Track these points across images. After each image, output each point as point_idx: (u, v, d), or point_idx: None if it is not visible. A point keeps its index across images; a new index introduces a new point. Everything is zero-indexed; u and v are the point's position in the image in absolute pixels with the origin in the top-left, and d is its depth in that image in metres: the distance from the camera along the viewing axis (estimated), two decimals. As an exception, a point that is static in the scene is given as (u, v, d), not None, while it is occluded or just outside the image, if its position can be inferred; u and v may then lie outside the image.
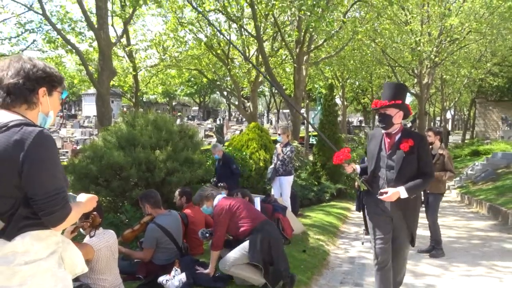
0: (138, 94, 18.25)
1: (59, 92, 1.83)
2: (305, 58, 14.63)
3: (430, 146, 5.89)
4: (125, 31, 14.83)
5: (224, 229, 4.07)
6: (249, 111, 17.58)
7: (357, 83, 28.66)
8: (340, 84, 25.84)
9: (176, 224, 4.64)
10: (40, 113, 1.76)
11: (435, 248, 5.88)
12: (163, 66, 18.64)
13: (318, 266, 5.00)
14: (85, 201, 1.85)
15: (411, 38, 18.10)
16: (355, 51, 18.94)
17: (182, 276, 3.76)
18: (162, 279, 3.80)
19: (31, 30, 14.11)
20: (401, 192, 3.42)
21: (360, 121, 49.91)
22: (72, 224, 1.99)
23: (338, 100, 27.39)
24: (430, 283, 4.71)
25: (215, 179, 7.08)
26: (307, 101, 25.92)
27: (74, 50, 12.67)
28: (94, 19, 12.35)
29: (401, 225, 3.61)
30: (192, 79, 28.71)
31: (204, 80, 20.50)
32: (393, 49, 19.55)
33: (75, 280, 2.92)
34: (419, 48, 17.68)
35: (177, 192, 5.42)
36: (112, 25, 16.01)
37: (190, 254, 4.78)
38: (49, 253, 1.67)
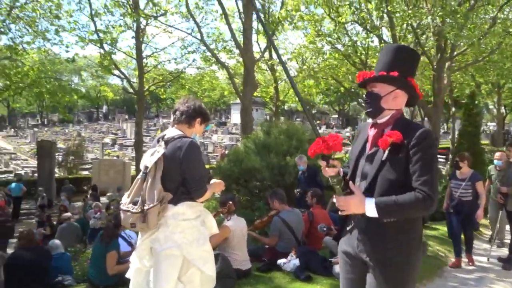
0: (278, 103, 19.66)
1: (205, 125, 2.91)
2: (446, 64, 13.95)
3: None
4: (268, 47, 16.29)
5: None
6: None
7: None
8: (496, 90, 23.35)
9: (297, 219, 5.40)
10: (193, 133, 2.83)
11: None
12: (302, 77, 19.75)
13: (430, 274, 5.15)
14: (214, 184, 2.82)
15: None
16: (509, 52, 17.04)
17: (296, 261, 4.56)
18: (280, 261, 4.71)
19: (192, 51, 16.75)
20: (367, 205, 2.02)
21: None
22: (207, 199, 2.99)
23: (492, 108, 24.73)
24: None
25: (299, 189, 7.20)
26: (454, 108, 24.05)
27: (223, 67, 14.64)
28: (241, 36, 14.10)
29: None
30: (331, 87, 29.34)
31: (341, 89, 20.93)
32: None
33: (216, 251, 3.91)
34: None
35: (309, 193, 6.14)
36: (257, 41, 17.78)
37: (309, 247, 5.50)
38: (196, 216, 2.68)
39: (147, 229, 2.50)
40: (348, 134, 39.64)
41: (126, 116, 51.12)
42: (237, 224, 4.42)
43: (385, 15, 14.53)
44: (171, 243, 2.52)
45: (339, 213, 2.12)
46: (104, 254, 4.54)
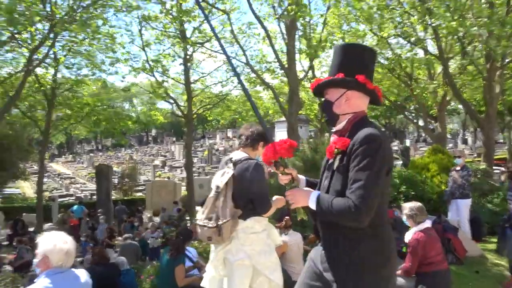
0: (322, 120, 19.75)
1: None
2: (498, 73, 13.53)
3: None
4: (311, 66, 16.54)
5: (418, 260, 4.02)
6: (436, 131, 16.99)
7: None
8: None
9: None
10: (256, 155, 3.14)
11: None
12: (345, 93, 19.74)
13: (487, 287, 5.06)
14: (277, 200, 3.09)
15: None
16: None
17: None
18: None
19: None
20: (311, 198, 1.96)
21: None
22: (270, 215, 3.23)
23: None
24: None
25: None
26: (508, 117, 22.97)
27: (268, 87, 15.03)
28: (284, 57, 14.46)
29: None
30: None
31: (387, 102, 20.70)
32: None
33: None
34: None
35: None
36: (300, 60, 18.09)
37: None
38: (262, 229, 2.97)
39: (222, 242, 2.80)
40: (396, 147, 38.67)
41: (174, 139, 52.91)
42: (294, 239, 4.64)
43: (429, 27, 14.40)
44: (242, 254, 2.81)
45: (290, 207, 2.08)
46: (172, 268, 4.89)
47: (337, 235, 1.94)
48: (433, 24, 12.14)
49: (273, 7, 13.72)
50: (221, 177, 2.91)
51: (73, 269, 2.54)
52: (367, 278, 1.88)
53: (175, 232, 9.16)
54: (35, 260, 2.46)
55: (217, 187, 2.90)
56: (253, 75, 16.40)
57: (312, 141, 9.91)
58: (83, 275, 2.57)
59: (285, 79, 15.85)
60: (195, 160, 28.95)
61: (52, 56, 14.35)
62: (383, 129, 1.88)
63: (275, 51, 13.79)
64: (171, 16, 14.30)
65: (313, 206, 1.94)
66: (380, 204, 1.89)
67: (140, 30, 15.90)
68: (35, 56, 12.32)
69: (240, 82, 2.31)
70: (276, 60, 14.43)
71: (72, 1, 12.01)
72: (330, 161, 2.02)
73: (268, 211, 2.93)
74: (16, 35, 11.62)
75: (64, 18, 11.27)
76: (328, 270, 1.95)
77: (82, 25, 11.72)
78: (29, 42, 12.42)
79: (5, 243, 16.74)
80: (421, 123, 18.57)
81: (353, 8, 14.81)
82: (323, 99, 2.13)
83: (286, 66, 13.40)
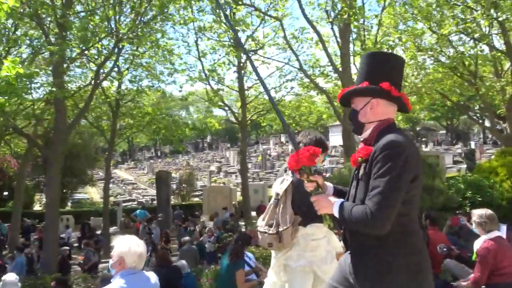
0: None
1: (324, 154, 3.21)
2: None
3: None
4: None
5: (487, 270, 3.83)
6: (505, 132, 15.95)
7: None
8: None
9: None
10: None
11: None
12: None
13: None
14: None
15: None
16: None
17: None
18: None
19: (290, 80, 17.40)
20: (335, 206, 1.98)
21: None
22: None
23: None
24: None
25: None
26: None
27: (322, 92, 14.92)
28: (338, 60, 14.29)
29: None
30: (437, 102, 27.73)
31: (448, 103, 19.73)
32: None
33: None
34: None
35: (423, 215, 6.03)
36: (354, 64, 17.76)
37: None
38: (322, 236, 2.98)
39: (282, 248, 2.86)
40: (459, 150, 36.66)
41: (228, 145, 53.90)
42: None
43: (495, 22, 13.59)
44: (303, 260, 2.85)
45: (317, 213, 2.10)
46: (232, 272, 5.01)
47: (362, 242, 1.94)
48: (499, 18, 11.45)
49: (326, 11, 13.62)
50: (281, 184, 2.97)
51: (143, 271, 2.71)
52: (386, 281, 1.85)
53: (233, 237, 9.35)
54: (111, 261, 2.66)
55: (277, 194, 2.95)
56: (306, 80, 16.34)
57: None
58: (152, 276, 2.74)
59: (339, 82, 15.63)
60: (249, 165, 29.29)
61: (116, 69, 15.25)
62: (407, 135, 1.78)
63: (328, 55, 13.67)
64: (225, 26, 14.67)
65: (336, 213, 1.96)
66: (403, 213, 1.85)
67: (196, 41, 16.48)
68: (101, 70, 13.16)
69: (260, 80, 2.33)
70: (329, 64, 14.29)
71: (134, 17, 12.70)
72: (357, 170, 2.03)
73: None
74: (85, 52, 12.49)
75: (127, 34, 11.95)
76: (353, 274, 1.96)
77: (143, 39, 12.36)
78: (96, 57, 13.30)
79: (76, 244, 17.97)
80: (487, 123, 17.47)
81: (410, 7, 14.34)
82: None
83: (340, 69, 13.23)
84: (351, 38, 13.88)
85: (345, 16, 10.83)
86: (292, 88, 18.17)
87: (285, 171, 3.10)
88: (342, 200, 1.99)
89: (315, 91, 17.42)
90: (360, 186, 1.96)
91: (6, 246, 16.64)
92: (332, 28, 13.90)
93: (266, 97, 20.24)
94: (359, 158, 1.98)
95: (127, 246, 2.60)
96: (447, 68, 15.65)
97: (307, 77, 15.00)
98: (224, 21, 13.98)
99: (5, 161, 23.00)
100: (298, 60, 14.58)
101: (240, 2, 13.57)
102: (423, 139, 47.60)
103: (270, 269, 3.02)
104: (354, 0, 11.31)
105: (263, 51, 16.48)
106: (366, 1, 19.65)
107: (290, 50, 14.69)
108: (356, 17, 11.14)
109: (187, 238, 11.33)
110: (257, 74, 2.45)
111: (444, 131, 54.84)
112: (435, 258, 5.31)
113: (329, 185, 2.23)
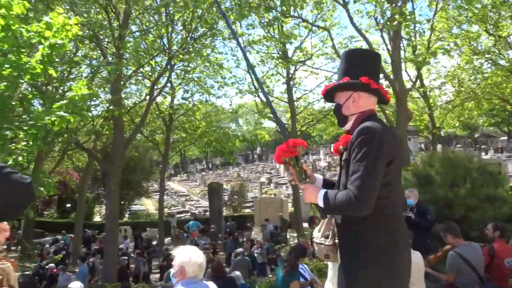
0: (435, 131, 18.46)
1: None
2: None
3: None
4: (419, 75, 15.67)
5: None
6: None
7: None
8: None
9: (477, 254, 5.04)
10: None
11: None
12: (460, 101, 18.25)
13: None
14: None
15: None
16: None
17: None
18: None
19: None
20: (319, 195, 2.06)
21: None
22: None
23: None
24: None
25: None
26: None
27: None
28: (389, 67, 13.92)
29: None
30: (496, 107, 26.23)
31: (509, 107, 18.60)
32: None
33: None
34: None
35: (491, 226, 5.71)
36: (405, 70, 17.25)
37: (494, 284, 5.03)
38: None
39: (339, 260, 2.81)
40: (524, 157, 34.28)
41: (278, 155, 53.88)
42: (414, 258, 4.39)
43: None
44: (361, 272, 2.78)
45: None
46: (287, 284, 5.00)
47: (346, 226, 2.09)
48: None
49: (375, 18, 13.39)
50: None
51: (203, 281, 2.80)
52: (362, 271, 2.01)
53: (282, 249, 9.33)
54: (172, 271, 2.77)
55: None
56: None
57: (425, 154, 9.33)
58: (212, 286, 2.81)
59: (390, 90, 15.24)
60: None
61: (169, 85, 15.88)
62: (383, 122, 1.99)
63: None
64: (273, 38, 14.85)
65: (320, 202, 2.05)
66: (382, 196, 1.94)
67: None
68: (155, 86, 13.77)
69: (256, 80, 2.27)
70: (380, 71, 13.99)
71: (185, 34, 13.22)
72: (340, 158, 2.18)
73: None
74: (140, 69, 13.16)
75: (179, 50, 12.44)
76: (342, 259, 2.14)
77: (194, 55, 12.80)
78: (150, 74, 13.96)
79: (133, 255, 18.71)
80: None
81: (464, 10, 13.76)
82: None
83: (391, 76, 12.90)
84: (401, 45, 13.52)
85: (395, 23, 10.58)
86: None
87: None
88: (326, 190, 2.06)
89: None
90: (343, 172, 2.08)
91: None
92: (381, 35, 13.63)
93: (315, 107, 20.16)
94: (340, 147, 2.16)
95: (188, 256, 2.70)
96: (507, 71, 14.78)
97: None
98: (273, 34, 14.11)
99: (68, 174, 24.57)
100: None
101: (288, 15, 13.69)
102: (483, 146, 44.99)
103: (327, 281, 2.98)
104: (404, 6, 11.04)
105: (311, 61, 16.46)
106: (416, 6, 19.11)
107: (339, 59, 14.55)
108: (407, 23, 10.84)
109: (240, 249, 11.43)
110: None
111: (506, 138, 51.50)
112: (502, 271, 4.99)
113: (319, 176, 2.32)
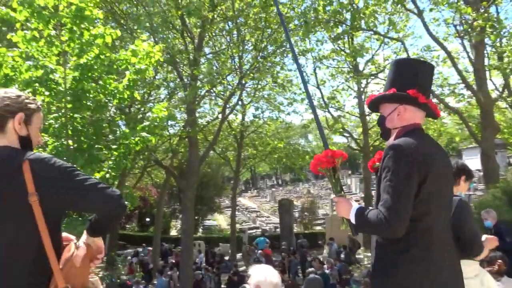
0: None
1: (469, 182, 2.90)
2: None
3: None
4: (506, 84, 14.47)
5: None
6: None
7: None
8: None
9: None
10: (458, 191, 2.81)
11: None
12: None
13: None
14: (488, 239, 2.70)
15: None
16: None
17: None
18: None
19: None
20: (352, 211, 1.97)
21: None
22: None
23: None
24: None
25: None
26: None
27: (453, 112, 13.70)
28: (471, 76, 13.01)
29: None
30: None
31: None
32: None
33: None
34: None
35: None
36: (490, 79, 16.01)
37: None
38: (474, 274, 2.65)
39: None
40: None
41: (350, 172, 52.53)
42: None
43: None
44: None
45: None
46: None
47: (380, 251, 1.96)
48: None
49: (454, 26, 12.66)
50: None
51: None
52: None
53: (360, 269, 8.94)
54: (248, 288, 2.76)
55: None
56: (434, 100, 15.23)
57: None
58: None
59: (473, 100, 14.21)
60: (372, 193, 28.06)
61: (240, 103, 16.26)
62: (421, 137, 1.97)
63: (459, 72, 12.57)
64: (344, 53, 14.63)
65: (352, 218, 1.95)
66: (417, 217, 1.83)
67: (314, 70, 16.72)
68: (227, 105, 14.18)
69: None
70: (460, 81, 13.11)
71: (255, 53, 13.51)
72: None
73: (479, 253, 2.58)
74: (212, 89, 13.65)
75: (249, 69, 12.74)
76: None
77: (264, 73, 13.02)
78: (223, 93, 14.41)
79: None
80: None
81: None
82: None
83: (475, 86, 12.04)
84: (485, 51, 12.59)
85: (478, 29, 9.89)
86: (418, 110, 17.07)
87: None
88: (360, 206, 1.97)
89: (444, 112, 16.09)
90: (377, 191, 1.99)
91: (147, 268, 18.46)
92: (461, 43, 12.83)
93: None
94: (376, 163, 2.10)
95: (264, 276, 2.70)
96: None
97: (434, 97, 13.97)
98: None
99: (147, 190, 26.00)
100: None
101: (358, 27, 13.44)
102: None
103: None
104: (488, 11, 10.30)
105: (384, 74, 15.91)
106: (501, 9, 17.77)
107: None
108: (493, 31, 10.07)
109: (311, 269, 11.18)
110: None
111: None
112: None
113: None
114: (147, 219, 28.30)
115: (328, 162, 2.10)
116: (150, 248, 19.38)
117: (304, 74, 17.42)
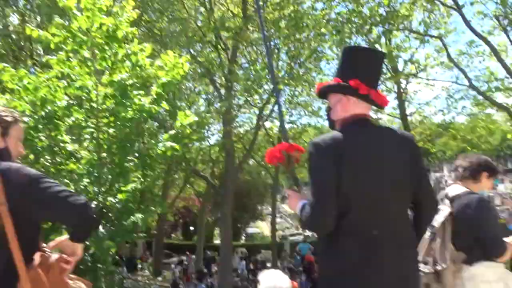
0: None
1: (493, 179, 2.75)
2: None
3: None
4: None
5: None
6: None
7: None
8: None
9: None
10: (480, 189, 2.68)
11: None
12: None
13: None
14: None
15: None
16: None
17: None
18: None
19: (459, 99, 15.72)
20: (299, 204, 1.91)
21: None
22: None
23: None
24: None
25: None
26: None
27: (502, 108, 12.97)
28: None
29: None
30: None
31: None
32: None
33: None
34: None
35: None
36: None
37: None
38: (497, 277, 2.46)
39: (442, 290, 2.49)
40: None
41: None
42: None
43: None
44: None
45: None
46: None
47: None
48: None
49: (497, 18, 12.02)
50: (436, 216, 2.63)
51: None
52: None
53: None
54: (258, 295, 2.77)
55: (432, 227, 2.60)
56: (481, 97, 14.49)
57: None
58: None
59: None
60: None
61: (276, 110, 16.27)
62: (350, 128, 1.86)
63: (505, 66, 11.89)
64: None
65: (298, 212, 1.91)
66: (343, 211, 1.75)
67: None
68: (263, 113, 14.26)
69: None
70: (508, 75, 12.38)
71: (290, 60, 13.54)
72: None
73: (502, 255, 2.44)
74: (249, 98, 13.80)
75: (284, 76, 12.77)
76: None
77: (299, 79, 12.99)
78: (259, 102, 14.52)
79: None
80: None
81: None
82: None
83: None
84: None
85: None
86: (463, 107, 16.31)
87: (441, 200, 2.72)
88: (305, 201, 1.86)
89: (493, 108, 15.27)
90: None
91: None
92: (507, 36, 12.12)
93: (435, 120, 18.64)
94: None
95: (273, 282, 2.71)
96: None
97: (480, 93, 13.29)
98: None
99: (191, 200, 26.57)
100: (466, 77, 13.08)
101: (395, 28, 13.08)
102: None
103: None
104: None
105: (425, 73, 15.41)
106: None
107: (456, 67, 13.34)
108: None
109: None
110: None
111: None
112: None
113: None
114: (191, 228, 28.88)
115: (281, 158, 2.06)
116: (193, 256, 19.76)
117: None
